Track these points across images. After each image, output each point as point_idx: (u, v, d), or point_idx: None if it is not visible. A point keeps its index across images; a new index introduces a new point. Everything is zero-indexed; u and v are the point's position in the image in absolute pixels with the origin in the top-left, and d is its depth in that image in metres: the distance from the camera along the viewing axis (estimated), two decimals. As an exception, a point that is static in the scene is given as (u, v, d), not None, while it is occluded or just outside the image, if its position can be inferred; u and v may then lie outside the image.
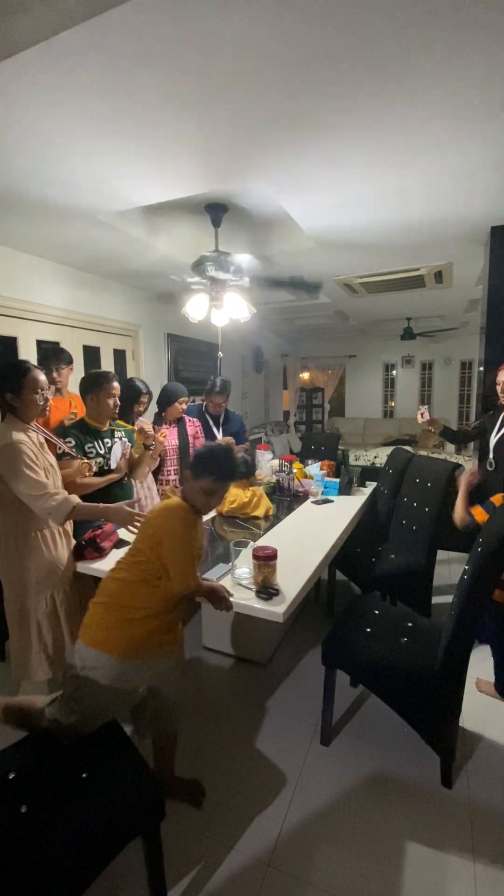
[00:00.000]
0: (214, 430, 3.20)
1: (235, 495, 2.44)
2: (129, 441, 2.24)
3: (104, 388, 2.09)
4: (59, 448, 1.97)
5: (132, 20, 1.16)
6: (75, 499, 1.67)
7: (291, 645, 2.52)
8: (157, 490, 2.78)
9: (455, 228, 2.73)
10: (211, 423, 3.20)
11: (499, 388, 2.28)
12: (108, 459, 2.12)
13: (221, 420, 3.25)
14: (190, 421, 2.94)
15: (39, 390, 1.71)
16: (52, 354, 2.68)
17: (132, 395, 2.58)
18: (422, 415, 2.65)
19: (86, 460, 2.05)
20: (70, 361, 2.76)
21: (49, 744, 1.27)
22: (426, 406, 2.78)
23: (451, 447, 6.75)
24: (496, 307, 2.73)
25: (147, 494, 2.68)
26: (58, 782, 1.16)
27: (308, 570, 1.72)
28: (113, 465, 2.12)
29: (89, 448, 2.09)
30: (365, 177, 2.04)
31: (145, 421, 2.51)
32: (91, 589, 1.97)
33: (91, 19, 1.15)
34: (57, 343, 3.31)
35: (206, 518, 2.43)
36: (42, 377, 1.73)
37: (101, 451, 2.12)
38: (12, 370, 1.70)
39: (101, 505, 1.74)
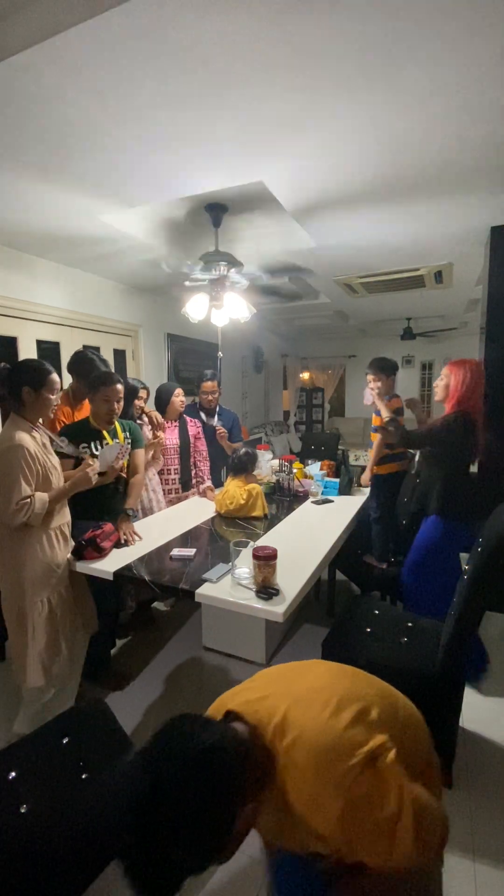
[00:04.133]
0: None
1: (233, 497, 2.43)
2: (138, 441, 2.24)
3: (99, 391, 2.10)
4: (56, 447, 1.97)
5: (131, 20, 1.16)
6: (42, 494, 1.71)
7: (291, 645, 2.52)
8: (162, 491, 2.77)
9: (455, 228, 2.73)
10: (204, 419, 3.19)
11: None
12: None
13: (215, 415, 3.24)
14: (191, 421, 2.94)
15: (55, 392, 1.78)
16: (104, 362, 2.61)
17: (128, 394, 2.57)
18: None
19: (89, 459, 2.02)
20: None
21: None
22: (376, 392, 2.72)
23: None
24: (496, 307, 2.73)
25: (153, 497, 2.67)
26: (58, 782, 1.16)
27: (308, 570, 1.73)
28: (101, 468, 2.03)
29: (84, 448, 2.07)
30: (365, 177, 2.04)
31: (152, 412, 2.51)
32: (86, 589, 1.98)
33: (90, 20, 1.15)
34: (57, 343, 3.31)
35: (206, 518, 2.44)
36: (58, 384, 1.81)
37: (96, 452, 2.11)
38: (37, 367, 1.76)
39: (66, 483, 1.84)
